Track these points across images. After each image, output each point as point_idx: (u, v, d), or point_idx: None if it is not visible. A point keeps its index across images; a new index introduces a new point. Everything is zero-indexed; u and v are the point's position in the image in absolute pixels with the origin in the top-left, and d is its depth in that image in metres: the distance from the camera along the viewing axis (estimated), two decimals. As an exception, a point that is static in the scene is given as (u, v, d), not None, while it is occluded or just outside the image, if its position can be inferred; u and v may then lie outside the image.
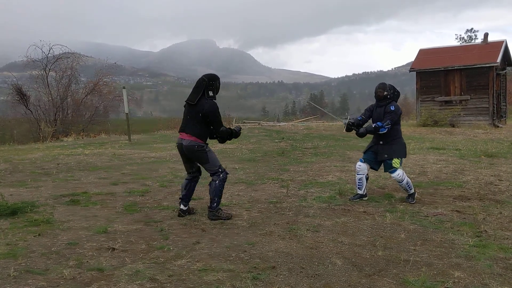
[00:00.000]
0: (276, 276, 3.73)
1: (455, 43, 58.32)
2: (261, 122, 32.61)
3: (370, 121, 6.52)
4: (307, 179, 8.21)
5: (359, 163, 6.53)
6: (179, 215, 5.62)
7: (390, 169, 6.31)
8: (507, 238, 4.68)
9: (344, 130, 6.55)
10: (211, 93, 5.50)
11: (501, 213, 5.72)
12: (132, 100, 31.67)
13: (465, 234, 4.83)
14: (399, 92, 6.60)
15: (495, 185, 7.50)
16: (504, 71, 22.41)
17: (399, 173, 6.27)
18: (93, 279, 3.66)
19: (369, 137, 6.60)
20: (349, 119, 6.50)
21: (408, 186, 6.33)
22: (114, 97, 28.80)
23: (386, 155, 6.29)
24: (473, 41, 59.39)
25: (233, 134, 5.71)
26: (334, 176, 8.44)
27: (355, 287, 3.52)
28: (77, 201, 6.51)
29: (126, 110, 16.74)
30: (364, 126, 6.45)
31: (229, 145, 14.37)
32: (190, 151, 5.46)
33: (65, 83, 26.91)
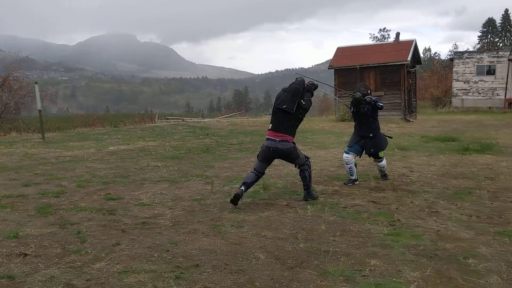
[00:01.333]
0: (200, 274, 3.69)
1: (370, 41, 61.39)
2: (185, 118, 32.24)
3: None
4: (232, 175, 8.22)
5: (345, 155, 7.38)
6: (235, 197, 5.75)
7: (378, 159, 7.47)
8: (418, 226, 4.99)
9: (356, 102, 7.23)
10: (303, 102, 5.99)
11: (412, 202, 6.08)
12: (46, 96, 29.97)
13: (380, 224, 5.08)
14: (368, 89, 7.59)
15: (407, 176, 7.98)
16: (414, 69, 23.89)
17: (384, 163, 7.53)
18: (3, 287, 3.40)
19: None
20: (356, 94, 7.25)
21: (385, 169, 7.60)
22: (26, 93, 27.09)
23: (372, 149, 7.37)
24: (386, 40, 62.83)
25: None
26: (258, 171, 8.51)
27: (278, 280, 3.56)
28: (-16, 205, 6.03)
29: (39, 107, 15.81)
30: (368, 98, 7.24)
31: (152, 142, 14.04)
32: (289, 149, 5.98)
33: (-30, 79, 24.87)
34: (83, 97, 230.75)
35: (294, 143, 6.09)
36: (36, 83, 16.07)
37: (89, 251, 4.20)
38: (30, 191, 7.00)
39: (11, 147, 13.17)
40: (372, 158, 7.77)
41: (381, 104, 7.24)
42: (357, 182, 7.35)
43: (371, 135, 7.33)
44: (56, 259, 4.00)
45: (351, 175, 7.30)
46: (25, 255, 4.11)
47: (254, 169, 6.15)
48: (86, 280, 3.54)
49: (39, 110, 15.99)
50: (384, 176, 7.68)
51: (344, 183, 7.28)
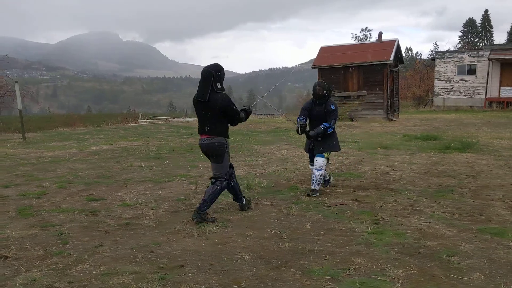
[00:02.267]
0: (184, 275, 3.66)
1: (352, 41, 61.82)
2: (169, 118, 32.03)
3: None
4: (215, 174, 8.18)
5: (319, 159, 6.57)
6: (242, 210, 5.63)
7: (319, 154, 6.55)
8: (401, 224, 5.03)
9: (299, 133, 6.58)
10: (219, 85, 5.22)
11: (395, 200, 6.13)
12: (27, 96, 29.48)
13: (364, 222, 5.11)
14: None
15: (390, 174, 8.05)
16: (397, 68, 24.12)
17: (323, 161, 6.50)
18: (-19, 292, 3.34)
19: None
20: (300, 122, 6.52)
21: (320, 179, 6.49)
22: (6, 92, 26.65)
23: (322, 149, 6.58)
24: (368, 39, 63.36)
25: (249, 113, 5.64)
26: (243, 171, 8.51)
27: (263, 280, 3.56)
28: (-38, 207, 5.90)
29: (19, 106, 15.56)
30: (314, 130, 6.54)
31: (134, 142, 13.92)
32: (210, 147, 5.27)
33: None
34: (64, 97, 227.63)
35: (223, 142, 5.31)
36: (16, 82, 15.82)
37: (71, 253, 4.14)
38: (10, 192, 6.88)
39: (-10, 148, 12.91)
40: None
41: (331, 131, 6.56)
42: (332, 179, 7.13)
43: (319, 139, 6.58)
44: (38, 262, 3.94)
45: (325, 178, 6.89)
46: (6, 257, 4.04)
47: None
48: (69, 283, 3.49)
49: (20, 110, 15.74)
50: (312, 190, 6.53)
51: (324, 186, 6.88)
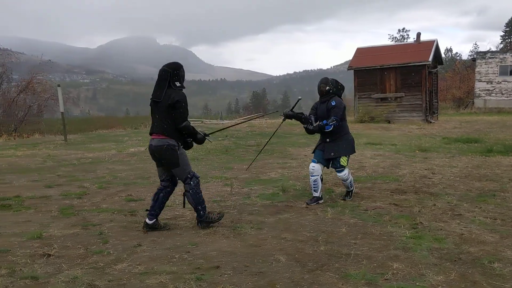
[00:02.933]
0: (220, 275, 3.69)
1: (389, 42, 60.82)
2: (204, 120, 32.40)
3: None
4: (250, 176, 8.22)
5: (312, 164, 6.21)
6: (143, 229, 4.97)
7: (338, 168, 6.14)
8: (441, 229, 4.90)
9: (282, 118, 6.37)
10: (178, 84, 4.85)
11: (435, 205, 5.98)
12: (68, 99, 30.44)
13: (402, 227, 5.01)
14: (343, 86, 6.38)
15: (429, 178, 7.86)
16: (435, 69, 23.58)
17: (345, 173, 6.15)
18: (26, 287, 3.46)
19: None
20: (290, 111, 6.30)
21: (350, 184, 6.32)
22: (49, 95, 27.57)
23: (332, 153, 6.11)
24: (405, 40, 62.15)
25: (197, 136, 5.01)
26: (277, 173, 8.51)
27: (298, 283, 3.54)
28: (8, 206, 6.15)
29: (62, 109, 16.09)
30: (310, 123, 6.22)
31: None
32: (158, 151, 4.83)
33: (-5, 82, 25.48)
34: (103, 99, 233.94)
35: (173, 144, 4.84)
36: (58, 85, 16.33)
37: (111, 252, 4.24)
38: (53, 192, 7.11)
39: (34, 149, 13.41)
40: (332, 169, 6.48)
41: (330, 129, 6.01)
42: (321, 201, 6.18)
43: (327, 140, 6.17)
44: (79, 260, 4.05)
45: (314, 190, 6.16)
46: (49, 255, 4.17)
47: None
48: (108, 281, 3.57)
49: (62, 112, 16.27)
50: (347, 195, 6.38)
51: (307, 203, 6.13)
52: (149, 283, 3.54)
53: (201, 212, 4.98)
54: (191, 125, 4.93)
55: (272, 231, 4.92)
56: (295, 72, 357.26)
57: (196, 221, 5.07)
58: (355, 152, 6.45)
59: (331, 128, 6.02)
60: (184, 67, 5.09)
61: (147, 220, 4.97)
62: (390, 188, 7.06)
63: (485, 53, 34.92)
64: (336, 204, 6.08)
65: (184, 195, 5.00)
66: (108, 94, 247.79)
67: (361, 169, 8.81)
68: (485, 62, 33.10)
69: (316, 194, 6.17)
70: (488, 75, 32.88)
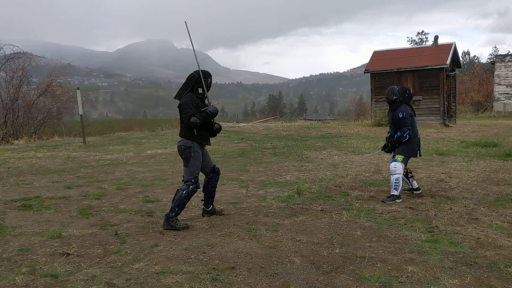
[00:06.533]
0: (236, 276, 3.74)
1: (407, 45, 60.28)
2: (221, 123, 32.55)
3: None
4: (267, 179, 8.26)
5: (393, 163, 6.54)
6: (202, 215, 5.68)
7: (392, 159, 6.61)
8: (457, 233, 4.88)
9: (385, 151, 6.99)
10: (200, 91, 5.15)
11: (451, 209, 5.94)
12: (87, 101, 30.88)
13: (417, 230, 5.00)
14: (411, 94, 6.79)
15: (446, 182, 7.80)
16: (454, 73, 23.31)
17: (396, 165, 6.47)
18: (46, 285, 3.55)
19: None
20: (382, 148, 7.05)
21: (395, 184, 6.42)
22: (68, 98, 28.01)
23: (394, 153, 6.63)
24: (423, 43, 61.52)
25: (213, 126, 5.27)
26: (293, 176, 8.53)
27: (313, 285, 3.57)
28: (29, 206, 6.30)
29: (81, 112, 16.34)
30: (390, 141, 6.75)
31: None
32: (178, 150, 5.28)
33: (16, 84, 25.96)
34: (121, 102, 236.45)
35: (189, 145, 5.16)
36: (78, 88, 16.60)
37: (128, 252, 4.32)
38: (73, 193, 7.25)
39: (54, 151, 13.66)
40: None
41: (407, 138, 6.47)
42: (399, 201, 6.41)
43: (397, 145, 6.64)
44: (97, 259, 4.14)
45: (395, 188, 6.44)
46: (68, 254, 4.27)
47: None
48: (126, 280, 3.65)
49: (81, 115, 16.53)
50: (389, 197, 6.48)
51: (382, 201, 6.43)
52: (166, 282, 3.60)
53: (173, 214, 5.13)
54: (197, 118, 5.05)
55: (288, 233, 4.95)
56: (311, 75, 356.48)
57: (164, 219, 5.17)
58: (415, 156, 6.76)
59: (407, 138, 6.49)
60: (195, 70, 5.21)
61: (204, 207, 5.68)
62: (406, 192, 7.03)
63: (504, 56, 34.37)
64: (352, 207, 6.08)
65: (176, 191, 5.27)
66: (126, 97, 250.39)
67: (378, 173, 8.78)
68: (505, 65, 32.59)
69: (396, 193, 6.43)
70: (508, 78, 32.37)
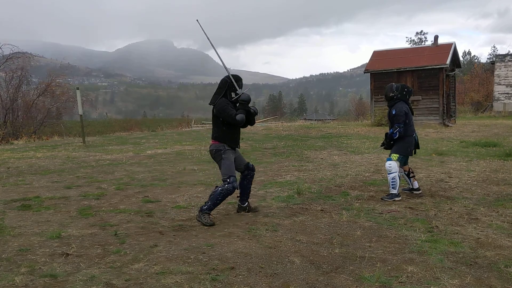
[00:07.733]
0: (235, 276, 3.73)
1: (406, 45, 60.29)
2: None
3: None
4: (266, 179, 8.26)
5: (388, 162, 6.59)
6: (237, 211, 5.86)
7: (387, 158, 6.66)
8: (457, 233, 4.87)
9: (384, 148, 6.98)
10: (233, 95, 5.40)
11: (451, 209, 5.94)
12: (87, 101, 30.86)
13: (417, 230, 4.99)
14: (409, 91, 6.80)
15: (446, 182, 7.80)
16: (453, 73, 23.30)
17: (390, 164, 6.52)
18: (46, 285, 3.55)
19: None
20: (381, 145, 7.06)
21: (392, 182, 6.47)
22: (68, 98, 28.01)
23: (390, 151, 6.70)
24: (423, 43, 61.56)
25: (251, 113, 5.48)
26: (293, 176, 8.53)
27: (313, 285, 3.56)
28: (29, 206, 6.29)
29: (80, 112, 16.33)
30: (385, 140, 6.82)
31: (188, 146, 14.25)
32: (211, 154, 5.52)
33: (15, 84, 25.96)
34: (121, 102, 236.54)
35: (220, 148, 5.43)
36: (77, 88, 16.59)
37: (128, 252, 4.32)
38: (72, 193, 7.24)
39: (54, 151, 13.65)
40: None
41: (397, 136, 6.53)
42: (398, 199, 6.46)
43: (392, 142, 6.70)
44: (97, 259, 4.13)
45: (392, 187, 6.49)
46: (67, 255, 4.26)
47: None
48: (125, 280, 3.64)
49: (80, 115, 16.52)
50: (387, 195, 6.56)
51: (382, 198, 6.53)
52: (165, 282, 3.60)
53: (205, 207, 5.34)
54: (241, 113, 5.30)
55: (287, 233, 4.95)
56: (311, 75, 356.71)
57: (199, 209, 5.42)
58: (410, 154, 6.79)
59: (397, 135, 6.54)
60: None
61: (240, 203, 5.86)
62: (405, 192, 7.02)
63: (504, 56, 34.38)
64: (352, 207, 6.08)
65: (215, 187, 5.49)
66: (126, 97, 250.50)
67: (377, 173, 8.78)
68: (504, 65, 32.60)
69: (394, 191, 6.47)
70: (508, 78, 32.38)
